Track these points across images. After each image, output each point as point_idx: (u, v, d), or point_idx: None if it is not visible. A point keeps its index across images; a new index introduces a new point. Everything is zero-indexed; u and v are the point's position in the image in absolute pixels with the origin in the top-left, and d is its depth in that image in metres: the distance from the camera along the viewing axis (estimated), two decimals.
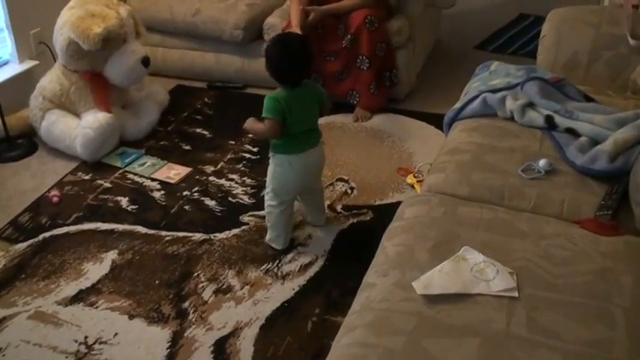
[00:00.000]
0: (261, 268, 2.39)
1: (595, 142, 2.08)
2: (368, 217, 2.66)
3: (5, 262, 2.46)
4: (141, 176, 2.97)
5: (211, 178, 2.95)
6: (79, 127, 3.04)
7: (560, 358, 1.35)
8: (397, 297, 1.53)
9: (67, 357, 2.05)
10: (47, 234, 2.61)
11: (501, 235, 1.73)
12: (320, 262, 2.42)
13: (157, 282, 2.34)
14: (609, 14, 2.66)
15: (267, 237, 2.51)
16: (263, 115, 2.27)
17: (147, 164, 3.05)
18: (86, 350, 2.07)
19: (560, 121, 2.18)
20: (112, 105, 3.15)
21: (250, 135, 3.23)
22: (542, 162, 2.02)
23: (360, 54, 3.32)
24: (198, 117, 3.50)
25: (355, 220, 2.64)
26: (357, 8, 3.30)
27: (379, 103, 3.45)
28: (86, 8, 3.03)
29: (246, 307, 2.23)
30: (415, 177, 2.86)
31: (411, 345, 1.39)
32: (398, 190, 2.83)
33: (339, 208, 2.71)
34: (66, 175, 3.01)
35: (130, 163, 3.06)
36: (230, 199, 2.80)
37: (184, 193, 2.85)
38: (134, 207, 2.77)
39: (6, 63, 3.41)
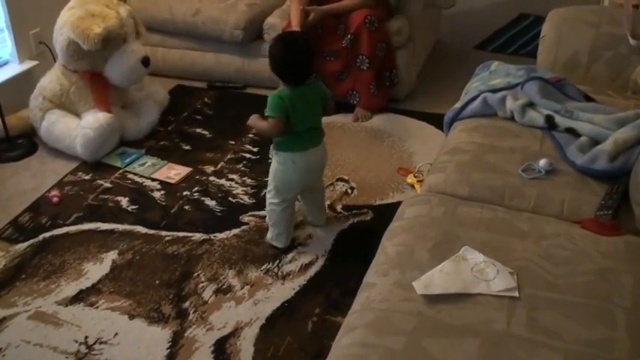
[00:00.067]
0: (262, 268, 2.39)
1: (595, 141, 2.08)
2: (368, 217, 2.66)
3: (5, 262, 2.46)
4: (141, 176, 2.97)
5: (211, 178, 2.95)
6: (79, 127, 3.04)
7: (561, 358, 1.35)
8: (397, 297, 1.53)
9: (67, 357, 2.05)
10: (47, 234, 2.61)
11: (502, 235, 1.73)
12: (320, 262, 2.42)
13: (157, 282, 2.34)
14: (609, 14, 2.66)
15: (269, 235, 2.51)
16: (267, 113, 2.27)
17: (147, 164, 3.05)
18: (86, 350, 2.07)
19: (561, 120, 2.18)
20: (112, 105, 3.15)
21: (251, 135, 3.24)
22: (542, 162, 2.02)
23: (360, 54, 3.32)
24: (199, 117, 3.50)
25: (355, 220, 2.64)
26: (357, 8, 3.30)
27: (379, 103, 3.45)
28: (86, 8, 3.03)
29: (247, 307, 2.23)
30: (415, 177, 2.86)
31: (412, 345, 1.39)
32: (398, 190, 2.83)
33: (339, 208, 2.71)
34: (66, 175, 3.01)
35: (130, 163, 3.06)
36: (230, 199, 2.80)
37: (184, 193, 2.85)
38: (134, 207, 2.77)
39: (6, 63, 3.41)
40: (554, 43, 2.61)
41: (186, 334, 2.12)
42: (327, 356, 1.48)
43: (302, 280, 2.34)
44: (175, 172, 2.99)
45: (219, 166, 3.05)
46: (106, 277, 2.37)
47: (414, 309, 1.48)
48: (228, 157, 3.12)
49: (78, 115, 3.14)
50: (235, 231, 2.59)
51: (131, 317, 2.19)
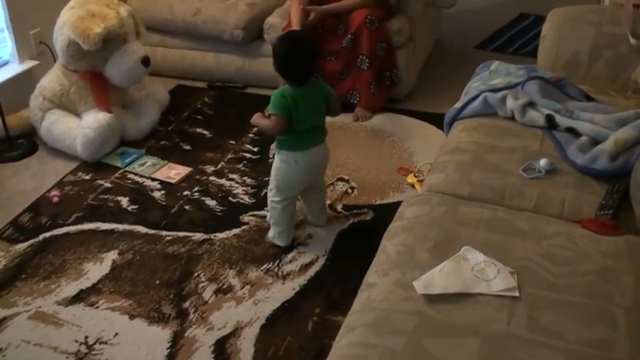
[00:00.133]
0: (262, 268, 2.39)
1: (595, 141, 2.08)
2: (368, 217, 2.66)
3: (5, 262, 2.46)
4: (141, 176, 2.97)
5: (212, 178, 2.95)
6: (80, 127, 3.04)
7: (561, 357, 1.35)
8: (398, 297, 1.53)
9: (67, 357, 2.05)
10: (47, 234, 2.61)
11: (502, 235, 1.73)
12: (320, 262, 2.42)
13: (157, 282, 2.34)
14: (610, 14, 2.66)
15: (270, 234, 2.51)
16: (269, 111, 2.28)
17: (147, 164, 3.05)
18: (86, 350, 2.07)
19: (561, 120, 2.18)
20: (112, 105, 3.15)
21: (251, 135, 3.24)
22: (542, 161, 2.01)
23: (360, 54, 3.32)
24: (199, 117, 3.50)
25: (356, 220, 2.64)
26: (357, 8, 3.30)
27: (379, 103, 3.45)
28: (86, 8, 3.03)
29: (247, 306, 2.23)
30: (416, 177, 2.86)
31: (412, 345, 1.39)
32: (398, 189, 2.83)
33: (339, 207, 2.71)
34: (66, 175, 3.01)
35: (130, 163, 3.06)
36: (230, 198, 2.80)
37: (185, 193, 2.85)
38: (134, 207, 2.76)
39: (6, 63, 3.41)
40: (554, 43, 2.61)
41: (186, 334, 2.12)
42: (327, 356, 1.48)
43: (302, 279, 2.34)
44: (175, 172, 2.99)
45: (219, 165, 3.05)
46: (106, 277, 2.37)
47: (415, 309, 1.48)
48: (229, 156, 3.12)
49: (78, 115, 3.14)
50: (235, 231, 2.59)
51: (131, 317, 2.19)
